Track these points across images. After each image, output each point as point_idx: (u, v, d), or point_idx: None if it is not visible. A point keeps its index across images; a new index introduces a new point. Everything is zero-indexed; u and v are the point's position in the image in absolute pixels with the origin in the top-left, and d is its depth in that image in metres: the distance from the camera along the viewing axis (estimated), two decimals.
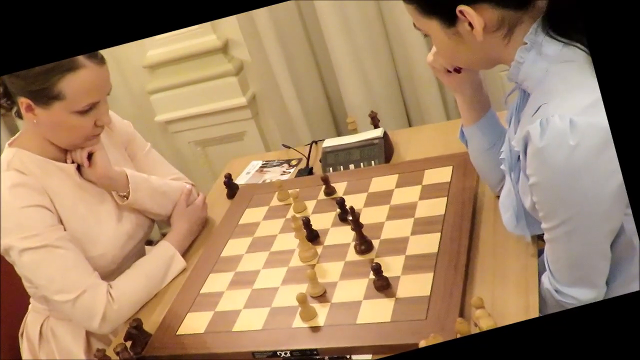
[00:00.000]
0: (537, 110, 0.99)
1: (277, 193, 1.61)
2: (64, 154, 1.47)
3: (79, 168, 1.48)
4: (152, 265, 1.49)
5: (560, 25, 1.00)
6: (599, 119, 0.88)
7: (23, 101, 1.36)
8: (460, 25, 1.03)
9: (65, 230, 1.41)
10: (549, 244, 1.08)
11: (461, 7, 1.00)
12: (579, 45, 0.99)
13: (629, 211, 0.98)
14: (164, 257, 1.51)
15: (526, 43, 1.03)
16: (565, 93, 0.97)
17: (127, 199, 1.50)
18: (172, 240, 1.55)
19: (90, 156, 1.46)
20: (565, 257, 1.07)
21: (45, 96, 1.34)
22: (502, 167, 1.20)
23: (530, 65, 1.03)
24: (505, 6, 1.00)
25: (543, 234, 1.19)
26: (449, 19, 1.03)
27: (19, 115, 1.43)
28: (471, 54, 1.08)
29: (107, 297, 1.38)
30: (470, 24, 1.02)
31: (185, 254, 1.56)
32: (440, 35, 1.07)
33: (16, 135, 1.48)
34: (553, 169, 0.96)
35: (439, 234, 1.31)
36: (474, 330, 1.06)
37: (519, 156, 1.11)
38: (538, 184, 1.01)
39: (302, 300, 1.20)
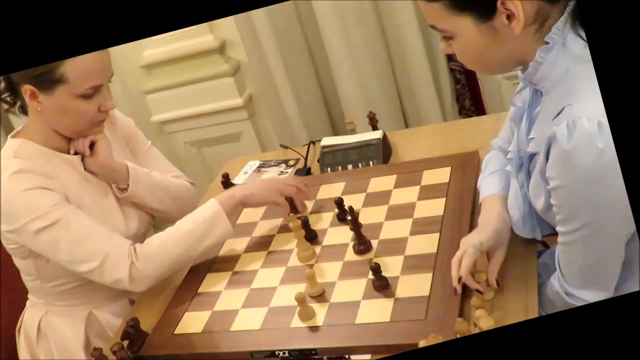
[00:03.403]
0: (560, 112, 0.98)
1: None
2: (68, 145, 1.47)
3: (82, 160, 1.48)
4: (189, 222, 1.43)
5: None
6: None
7: (27, 88, 1.36)
8: (497, 18, 1.00)
9: None
10: (563, 247, 1.07)
11: None
12: None
13: None
14: (205, 214, 1.42)
15: (547, 42, 1.01)
16: (591, 94, 0.94)
17: (127, 191, 1.50)
18: (221, 197, 1.46)
19: (92, 146, 1.46)
20: (580, 260, 1.06)
21: (48, 80, 1.34)
22: (508, 168, 1.19)
23: (550, 65, 1.02)
24: None
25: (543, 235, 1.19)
26: (487, 12, 1.00)
27: (23, 111, 1.44)
28: (500, 52, 1.05)
29: (130, 257, 1.37)
30: (508, 17, 0.99)
31: None
32: (471, 32, 1.03)
33: (19, 127, 1.48)
34: (580, 171, 0.95)
35: (438, 234, 1.31)
36: (474, 330, 1.06)
37: (529, 156, 1.10)
38: (562, 186, 0.99)
39: (300, 300, 1.20)
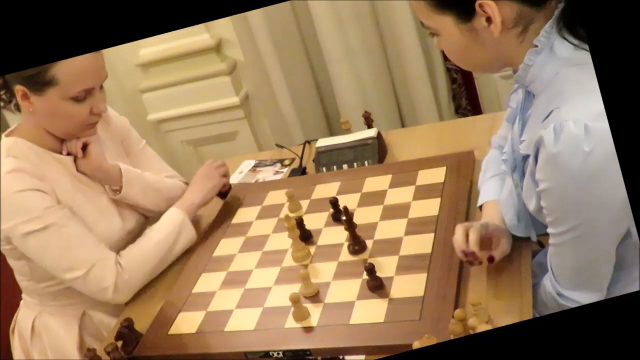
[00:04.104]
0: (549, 115, 0.98)
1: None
2: (61, 145, 1.47)
3: (75, 161, 1.48)
4: (160, 232, 1.49)
5: (575, 27, 0.99)
6: None
7: (19, 89, 1.36)
8: (476, 20, 1.01)
9: None
10: (554, 248, 1.07)
11: (481, 1, 0.98)
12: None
13: None
14: (173, 223, 1.51)
15: (536, 45, 1.01)
16: (579, 97, 0.95)
17: (120, 193, 1.50)
18: (181, 205, 1.55)
19: (84, 147, 1.46)
20: (571, 262, 1.06)
21: (38, 82, 1.34)
22: (503, 167, 1.19)
23: (539, 68, 1.02)
24: (523, 1, 0.99)
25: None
26: (466, 13, 1.01)
27: (19, 109, 1.44)
28: (483, 52, 1.06)
29: (116, 268, 1.40)
30: (487, 19, 1.00)
31: None
32: (453, 32, 1.04)
33: (13, 126, 1.48)
34: (567, 174, 0.95)
35: (433, 234, 1.30)
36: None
37: (522, 157, 1.10)
38: (550, 189, 0.99)
39: (295, 300, 1.19)
